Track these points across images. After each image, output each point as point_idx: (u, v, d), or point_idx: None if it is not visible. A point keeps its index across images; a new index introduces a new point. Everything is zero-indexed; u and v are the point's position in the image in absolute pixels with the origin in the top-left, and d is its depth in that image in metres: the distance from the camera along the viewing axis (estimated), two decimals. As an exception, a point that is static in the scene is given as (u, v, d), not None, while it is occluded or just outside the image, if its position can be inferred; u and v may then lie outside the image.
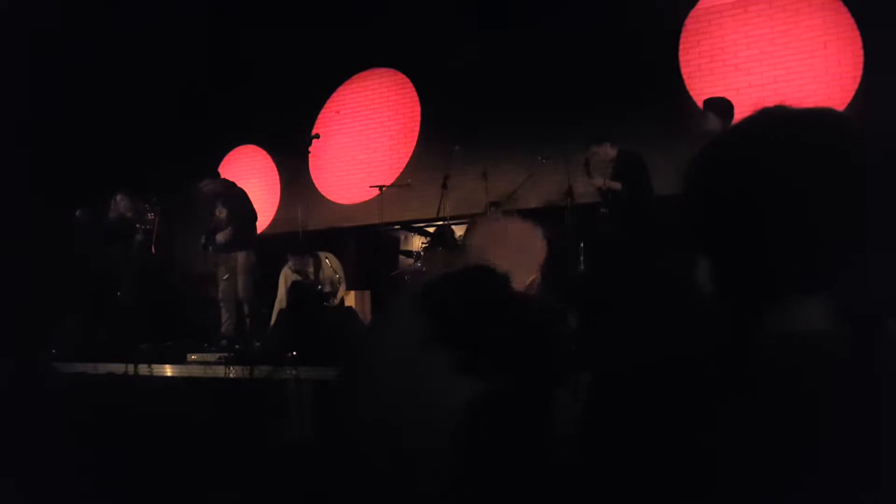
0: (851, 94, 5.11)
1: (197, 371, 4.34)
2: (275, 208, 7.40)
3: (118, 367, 4.40)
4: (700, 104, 5.55)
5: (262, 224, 6.85)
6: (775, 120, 0.70)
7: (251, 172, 7.51)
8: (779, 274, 0.65)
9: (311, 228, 6.29)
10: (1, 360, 4.08)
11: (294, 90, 7.15)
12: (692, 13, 5.76)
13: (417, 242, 5.49)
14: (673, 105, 5.51)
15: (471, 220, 5.08)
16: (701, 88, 5.60)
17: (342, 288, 5.38)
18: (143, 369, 4.39)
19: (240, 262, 5.53)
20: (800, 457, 0.57)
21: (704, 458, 0.61)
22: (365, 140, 7.12)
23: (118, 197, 5.79)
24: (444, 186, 5.28)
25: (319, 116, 7.28)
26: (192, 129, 7.30)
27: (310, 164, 7.09)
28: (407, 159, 6.87)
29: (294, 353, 3.98)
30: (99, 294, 5.73)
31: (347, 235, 6.59)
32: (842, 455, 0.57)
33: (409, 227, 5.74)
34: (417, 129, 6.87)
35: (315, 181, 7.24)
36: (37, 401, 3.70)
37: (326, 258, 5.38)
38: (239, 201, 5.62)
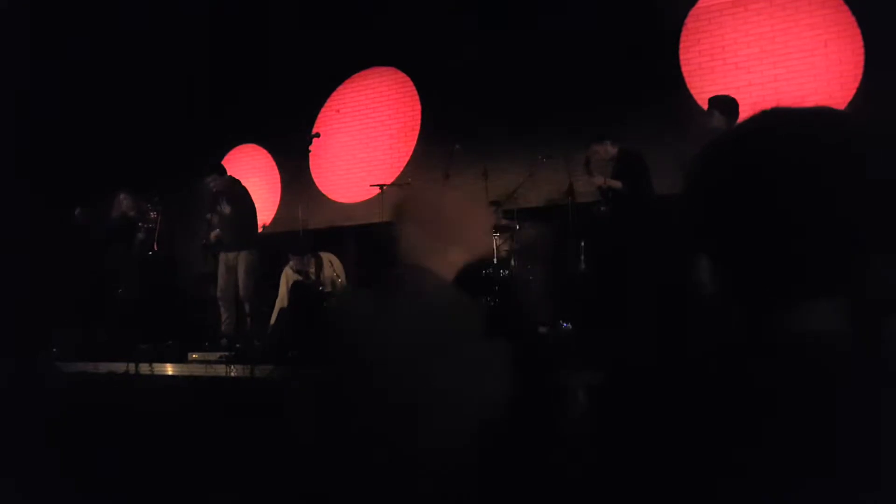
0: (853, 92, 5.10)
1: (198, 370, 4.34)
2: (275, 207, 7.40)
3: (119, 367, 4.41)
4: (700, 103, 5.55)
5: (262, 223, 6.86)
6: (776, 120, 0.70)
7: (252, 171, 7.51)
8: (781, 275, 0.65)
9: (311, 227, 6.29)
10: (1, 359, 4.09)
11: (295, 89, 7.15)
12: (692, 12, 5.76)
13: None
14: (673, 104, 5.51)
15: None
16: (701, 87, 5.60)
17: (340, 286, 5.38)
18: (144, 368, 4.39)
19: (240, 261, 5.53)
20: (818, 457, 0.57)
21: (718, 459, 0.61)
22: (365, 139, 7.12)
23: (121, 196, 5.80)
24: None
25: (320, 115, 7.28)
26: (193, 129, 7.30)
27: (310, 162, 7.09)
28: (407, 158, 6.87)
29: (295, 352, 3.98)
30: (100, 293, 5.73)
31: (348, 234, 6.59)
32: (861, 455, 0.57)
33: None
34: (418, 127, 6.87)
35: (315, 180, 7.24)
36: (37, 400, 3.71)
37: (329, 259, 5.39)
38: (241, 200, 5.61)
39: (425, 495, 0.81)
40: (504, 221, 5.17)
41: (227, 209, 5.46)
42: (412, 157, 6.84)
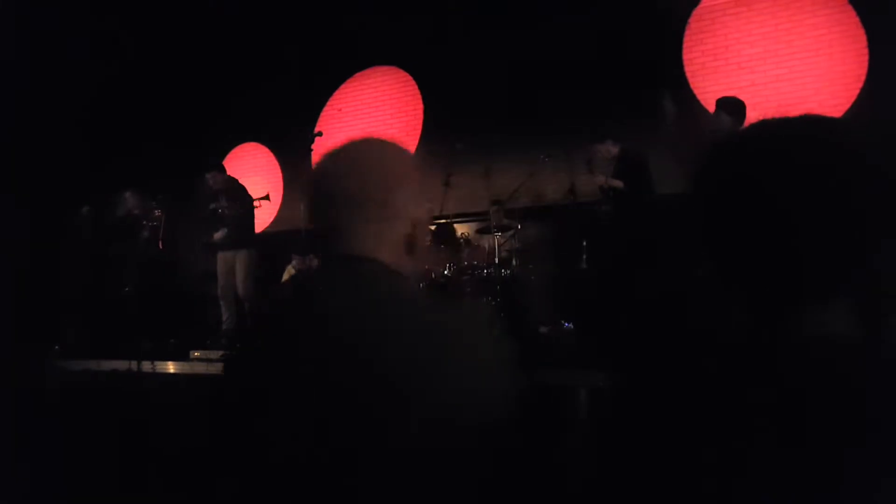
0: (856, 92, 5.09)
1: (200, 368, 4.35)
2: (277, 206, 7.41)
3: (121, 364, 4.41)
4: (703, 102, 5.55)
5: (264, 222, 6.87)
6: (776, 126, 0.70)
7: (254, 170, 7.52)
8: (784, 276, 0.65)
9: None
10: (3, 357, 4.10)
11: (297, 88, 7.16)
12: (696, 11, 5.75)
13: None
14: (677, 103, 5.50)
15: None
16: (704, 87, 5.60)
17: None
18: (147, 366, 4.39)
19: (238, 260, 5.53)
20: (834, 459, 0.57)
21: (720, 459, 0.61)
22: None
23: (126, 194, 5.82)
24: (447, 184, 5.28)
25: (322, 114, 7.28)
26: (196, 127, 7.31)
27: (312, 161, 7.08)
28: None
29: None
30: (104, 291, 5.75)
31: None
32: (871, 457, 0.57)
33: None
34: (420, 126, 6.87)
35: (317, 179, 7.23)
36: (39, 398, 3.71)
37: None
38: (239, 198, 5.62)
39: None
40: (506, 221, 5.17)
41: (225, 208, 5.47)
42: (414, 155, 6.83)
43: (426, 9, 6.43)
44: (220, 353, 4.50)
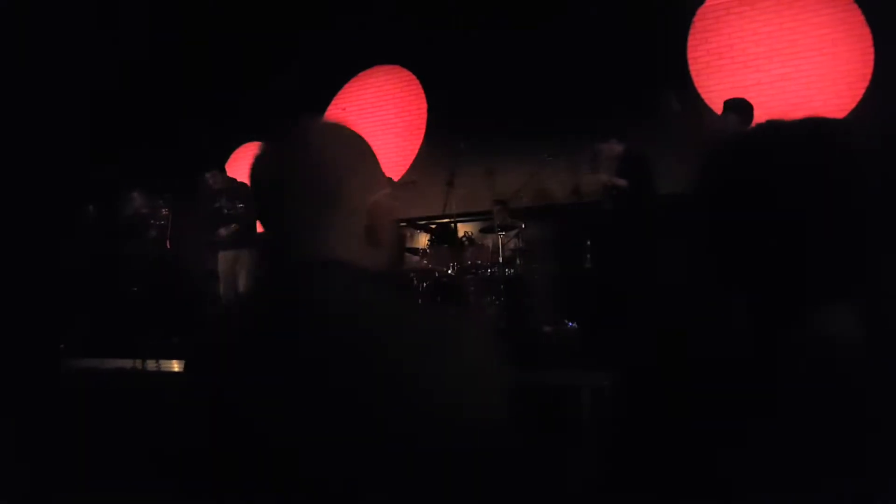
0: (861, 92, 5.07)
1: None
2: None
3: (126, 363, 4.44)
4: (708, 101, 5.53)
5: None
6: (779, 128, 0.70)
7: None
8: (788, 277, 0.65)
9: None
10: (12, 355, 4.12)
11: (300, 87, 7.17)
12: (700, 10, 5.73)
13: (423, 240, 5.49)
14: (681, 102, 5.49)
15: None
16: (709, 86, 5.59)
17: None
18: (151, 364, 4.41)
19: (241, 259, 5.55)
20: (834, 459, 0.57)
21: (723, 460, 0.61)
22: (371, 137, 6.92)
23: (134, 194, 5.84)
24: (450, 184, 5.28)
25: (325, 113, 7.29)
26: (199, 127, 7.32)
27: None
28: (413, 157, 6.87)
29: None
30: (111, 290, 5.77)
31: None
32: (881, 456, 0.57)
33: (415, 224, 5.75)
34: (424, 126, 6.87)
35: (321, 178, 7.24)
36: (46, 396, 3.73)
37: None
38: (242, 197, 5.63)
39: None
40: (509, 220, 5.17)
41: (227, 207, 5.49)
42: (418, 155, 6.85)
43: (430, 7, 6.43)
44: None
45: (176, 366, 4.47)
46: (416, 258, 5.28)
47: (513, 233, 5.20)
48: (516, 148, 5.82)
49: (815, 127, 0.68)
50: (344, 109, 7.28)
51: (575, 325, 4.55)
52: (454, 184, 5.29)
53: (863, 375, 0.61)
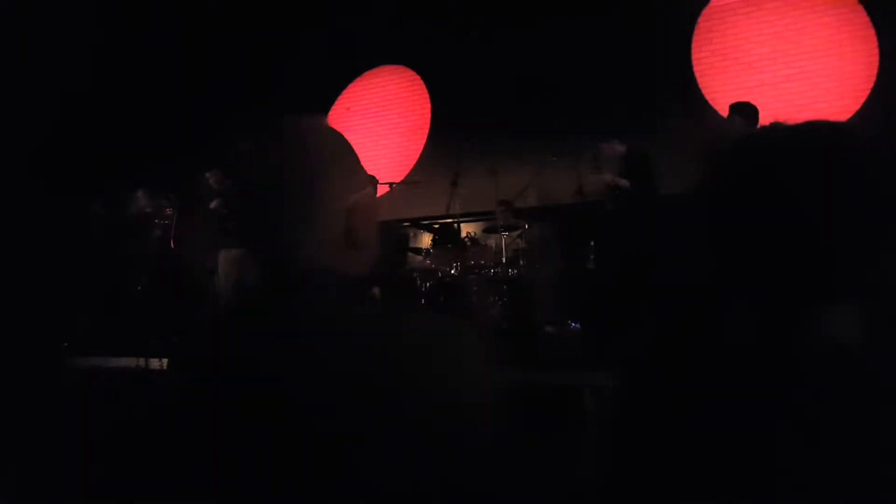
0: (866, 93, 5.05)
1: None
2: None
3: (130, 361, 4.45)
4: (712, 103, 5.52)
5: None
6: (783, 131, 0.70)
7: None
8: (791, 277, 0.65)
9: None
10: (13, 354, 4.13)
11: (305, 87, 7.18)
12: (705, 11, 5.72)
13: (427, 240, 5.49)
14: (685, 103, 5.49)
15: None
16: (713, 87, 5.58)
17: None
18: (155, 363, 4.42)
19: (242, 259, 5.55)
20: (835, 459, 0.57)
21: (725, 461, 0.61)
22: (375, 137, 7.14)
23: (138, 193, 5.86)
24: (454, 184, 5.28)
25: (330, 114, 7.30)
26: (201, 127, 7.34)
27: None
28: (417, 157, 6.88)
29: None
30: (115, 288, 5.79)
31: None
32: (882, 456, 0.56)
33: (419, 224, 5.75)
34: (427, 126, 6.88)
35: (324, 178, 7.25)
36: (48, 395, 3.74)
37: None
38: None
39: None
40: (512, 220, 5.17)
41: (226, 207, 5.49)
42: (421, 155, 6.85)
43: (434, 8, 6.43)
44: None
45: (175, 366, 4.47)
46: (420, 258, 5.28)
47: (516, 233, 5.20)
48: (520, 148, 5.82)
49: (818, 130, 0.68)
50: (348, 109, 7.29)
51: (577, 325, 4.55)
52: (458, 184, 5.29)
53: (863, 375, 0.60)
